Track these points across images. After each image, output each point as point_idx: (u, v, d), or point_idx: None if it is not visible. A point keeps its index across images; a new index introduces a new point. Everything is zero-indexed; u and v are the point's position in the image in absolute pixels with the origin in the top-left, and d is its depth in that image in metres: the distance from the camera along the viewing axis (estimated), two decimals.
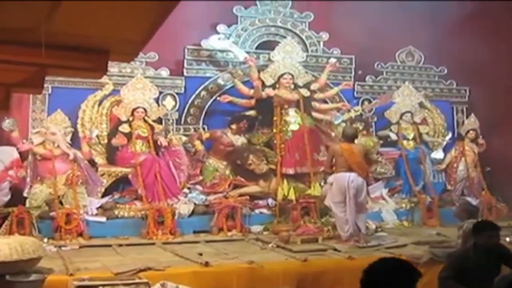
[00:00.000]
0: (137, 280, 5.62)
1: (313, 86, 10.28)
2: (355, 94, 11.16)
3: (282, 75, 9.94)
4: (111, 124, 9.27)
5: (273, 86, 9.95)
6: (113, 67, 9.10)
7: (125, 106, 9.11)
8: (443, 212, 9.99)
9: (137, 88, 9.17)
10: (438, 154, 11.01)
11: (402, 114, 10.90)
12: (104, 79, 8.83)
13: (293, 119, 9.89)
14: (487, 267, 4.81)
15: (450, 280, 4.98)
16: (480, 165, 10.93)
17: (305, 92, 10.08)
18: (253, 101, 9.92)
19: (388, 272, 2.94)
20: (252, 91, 9.86)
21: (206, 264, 6.39)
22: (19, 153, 8.40)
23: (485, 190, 10.55)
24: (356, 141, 8.46)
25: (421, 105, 11.20)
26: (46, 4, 1.89)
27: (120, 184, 9.10)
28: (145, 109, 9.16)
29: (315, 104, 10.32)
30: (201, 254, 6.95)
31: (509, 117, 10.02)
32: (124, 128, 9.07)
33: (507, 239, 7.21)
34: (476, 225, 5.36)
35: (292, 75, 9.99)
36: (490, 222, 5.78)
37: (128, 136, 9.05)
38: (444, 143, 11.16)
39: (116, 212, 8.57)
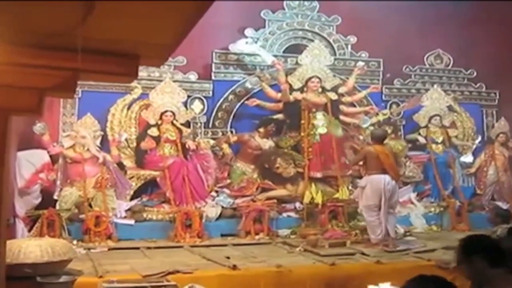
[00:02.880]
0: (165, 283, 5.62)
1: (341, 90, 10.26)
2: (383, 98, 11.09)
3: (309, 78, 9.93)
4: (140, 127, 9.36)
5: (301, 90, 9.94)
6: (142, 71, 9.17)
7: (154, 110, 9.19)
8: (472, 216, 9.86)
9: (166, 92, 9.25)
10: (467, 158, 10.87)
11: (430, 118, 10.81)
12: (133, 83, 8.93)
13: (321, 123, 9.87)
14: None
15: None
16: (510, 169, 10.80)
17: (333, 96, 10.07)
18: (280, 105, 9.93)
19: None
20: (279, 95, 9.87)
21: (234, 267, 6.38)
22: (50, 156, 8.49)
23: None
24: (385, 142, 8.39)
25: (450, 108, 11.09)
26: (80, 8, 1.92)
27: (148, 187, 9.17)
28: (173, 113, 9.24)
29: (343, 107, 10.29)
30: (228, 258, 6.95)
31: None
32: (153, 131, 9.14)
33: None
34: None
35: (320, 79, 9.97)
36: None
37: (157, 139, 9.13)
38: (474, 146, 11.00)
39: (145, 215, 8.64)
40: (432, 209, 10.00)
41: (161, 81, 9.40)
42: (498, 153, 10.81)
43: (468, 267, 3.52)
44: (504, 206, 10.16)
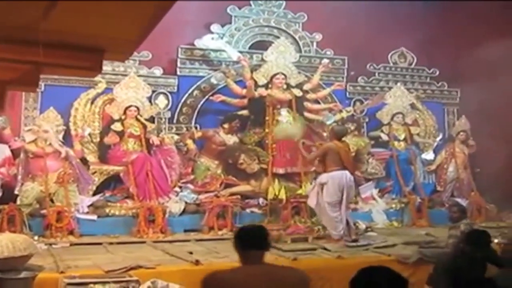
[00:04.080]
0: (128, 278, 5.61)
1: (306, 87, 10.34)
2: (347, 95, 11.23)
3: (275, 75, 9.97)
4: (104, 122, 9.28)
5: (266, 86, 9.99)
6: (106, 66, 9.08)
7: (118, 105, 9.12)
8: (432, 212, 10.07)
9: (130, 86, 9.19)
10: (428, 155, 11.09)
11: (393, 115, 10.99)
12: (97, 77, 8.83)
13: (285, 119, 9.93)
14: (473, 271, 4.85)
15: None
16: (470, 166, 11.04)
17: (297, 92, 10.14)
18: (245, 101, 9.96)
19: (376, 283, 2.93)
20: (244, 91, 9.89)
21: (197, 262, 6.40)
22: (11, 150, 8.39)
23: (474, 191, 10.67)
24: (344, 139, 8.46)
25: (412, 106, 11.28)
26: (43, 3, 1.91)
27: (111, 183, 9.11)
28: (137, 108, 9.18)
29: (307, 104, 10.37)
30: (191, 253, 6.96)
31: (499, 118, 10.09)
32: (117, 126, 9.08)
33: (496, 240, 7.26)
34: (473, 237, 5.36)
35: (285, 75, 10.03)
36: (486, 237, 5.68)
37: (121, 134, 9.07)
38: (435, 144, 11.24)
39: (107, 210, 8.57)
40: (393, 205, 10.16)
41: (125, 75, 9.34)
42: (458, 151, 11.04)
43: None
44: (463, 202, 10.39)
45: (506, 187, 9.49)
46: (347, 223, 7.87)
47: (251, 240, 3.41)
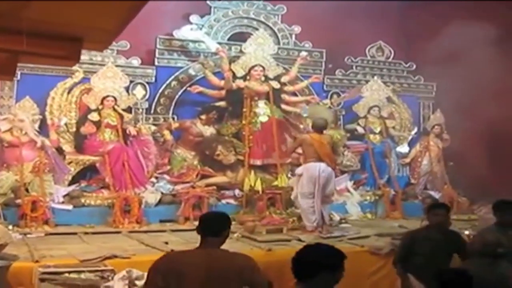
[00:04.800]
0: (103, 268, 5.62)
1: (284, 79, 10.38)
2: (325, 88, 11.32)
3: (253, 67, 10.00)
4: (80, 112, 9.24)
5: (244, 78, 10.01)
6: (84, 55, 8.85)
7: (95, 94, 9.08)
8: (406, 205, 10.22)
9: (108, 76, 9.16)
10: (403, 148, 11.24)
11: (369, 108, 11.11)
12: (75, 67, 8.77)
13: (263, 111, 9.98)
14: (437, 250, 4.98)
15: (399, 263, 5.17)
16: (443, 160, 11.19)
17: (275, 84, 10.17)
18: (223, 92, 9.98)
19: (319, 256, 3.08)
20: (222, 82, 9.91)
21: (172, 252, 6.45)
22: None
23: (447, 184, 10.82)
24: (325, 132, 8.54)
25: (388, 99, 11.41)
26: None
27: (87, 173, 9.08)
28: (115, 98, 9.15)
29: (285, 96, 10.42)
30: (167, 243, 6.99)
31: (474, 113, 10.23)
32: (93, 116, 9.04)
33: (466, 232, 7.41)
34: (427, 205, 5.58)
35: (263, 67, 10.06)
36: (439, 202, 5.96)
37: (97, 124, 9.03)
38: (410, 137, 11.41)
39: (83, 200, 8.54)
40: (368, 198, 10.28)
41: (103, 65, 9.30)
42: (432, 144, 11.19)
43: None
44: (436, 195, 10.59)
45: (478, 181, 9.64)
46: (323, 218, 7.96)
47: (208, 227, 3.60)
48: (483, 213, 9.21)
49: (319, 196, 7.90)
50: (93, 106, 9.06)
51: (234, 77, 9.96)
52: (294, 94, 10.67)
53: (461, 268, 4.27)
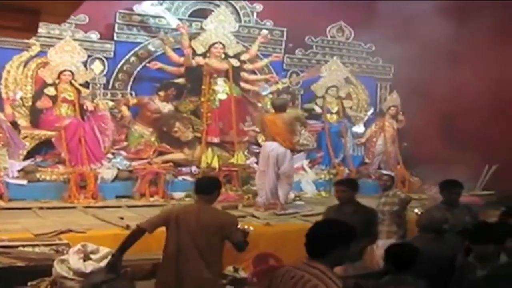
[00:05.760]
0: (58, 242, 5.70)
1: (243, 57, 10.44)
2: (284, 67, 11.39)
3: (213, 44, 10.01)
4: (36, 86, 9.16)
5: (204, 55, 10.03)
6: (41, 28, 8.75)
7: (52, 69, 9.01)
8: (359, 183, 10.36)
9: (65, 50, 9.08)
10: (359, 129, 11.41)
11: (328, 88, 11.25)
12: (31, 40, 8.70)
13: (221, 89, 10.04)
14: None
15: None
16: (398, 140, 11.43)
17: (235, 62, 10.23)
18: (182, 69, 9.99)
19: (333, 231, 3.07)
20: (182, 59, 9.92)
21: (127, 227, 6.49)
22: None
23: (400, 165, 11.10)
24: (287, 111, 8.61)
25: (347, 80, 11.55)
26: None
27: (43, 147, 9.04)
28: (72, 72, 9.09)
29: (244, 74, 10.49)
30: (122, 218, 7.07)
31: (429, 95, 10.44)
32: (50, 90, 8.99)
33: (416, 210, 7.64)
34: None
35: (223, 45, 10.08)
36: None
37: (54, 99, 8.98)
38: (366, 118, 11.56)
39: (38, 175, 8.55)
40: (322, 176, 10.48)
41: (61, 39, 9.21)
42: (388, 125, 11.39)
43: None
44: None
45: (430, 161, 9.88)
46: (277, 196, 8.13)
47: (200, 187, 4.56)
48: (433, 192, 9.45)
49: (271, 175, 8.04)
50: (49, 80, 9.00)
51: (194, 54, 9.97)
52: (253, 72, 10.72)
53: (407, 242, 4.73)
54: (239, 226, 4.44)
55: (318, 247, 3.00)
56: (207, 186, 4.53)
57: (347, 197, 5.59)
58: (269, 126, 8.20)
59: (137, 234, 4.50)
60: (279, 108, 8.43)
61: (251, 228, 4.53)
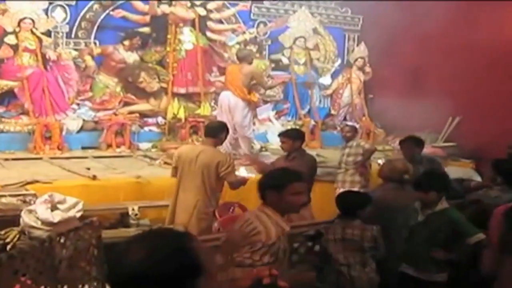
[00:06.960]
0: (25, 192, 5.68)
1: (210, 6, 10.26)
2: (252, 16, 11.23)
3: None
4: None
5: (169, 3, 9.82)
6: None
7: (11, 16, 8.69)
8: (325, 135, 10.59)
9: None
10: (326, 80, 11.46)
11: (295, 39, 11.17)
12: None
13: (188, 38, 9.90)
14: None
15: None
16: (364, 92, 11.51)
17: (201, 11, 10.05)
18: (147, 18, 9.77)
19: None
20: (147, 7, 9.69)
21: (94, 177, 6.57)
22: None
23: (365, 116, 11.22)
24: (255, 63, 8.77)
25: (315, 31, 11.47)
26: None
27: (5, 98, 8.85)
28: (33, 20, 8.80)
29: (211, 24, 10.35)
30: (89, 169, 7.07)
31: (396, 47, 10.48)
32: (10, 39, 8.70)
33: (379, 161, 7.81)
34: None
35: None
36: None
37: (15, 48, 8.72)
38: (333, 69, 11.60)
39: (1, 127, 8.41)
40: (289, 127, 10.42)
41: None
42: (354, 77, 11.42)
43: None
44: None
45: (395, 114, 10.01)
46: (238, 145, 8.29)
47: (207, 130, 5.56)
48: (396, 144, 9.66)
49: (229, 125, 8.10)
50: (9, 29, 8.69)
51: (159, 2, 9.75)
52: (220, 22, 10.58)
53: (357, 190, 5.67)
54: (237, 173, 5.42)
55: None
56: (213, 130, 5.44)
57: (288, 148, 6.13)
58: (227, 75, 8.39)
59: None
60: (242, 59, 8.48)
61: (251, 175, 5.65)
